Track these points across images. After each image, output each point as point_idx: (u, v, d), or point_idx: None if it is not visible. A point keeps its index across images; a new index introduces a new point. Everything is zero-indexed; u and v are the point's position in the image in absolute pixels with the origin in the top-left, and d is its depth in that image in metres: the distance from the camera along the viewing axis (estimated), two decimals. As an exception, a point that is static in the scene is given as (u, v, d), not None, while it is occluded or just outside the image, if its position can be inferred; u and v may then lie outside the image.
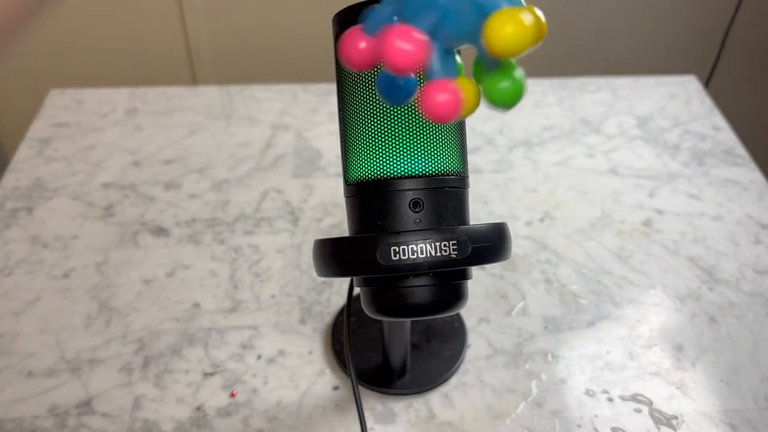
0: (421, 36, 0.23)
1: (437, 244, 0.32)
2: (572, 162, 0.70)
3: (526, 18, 0.22)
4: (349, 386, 0.49)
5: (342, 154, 0.36)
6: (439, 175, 0.34)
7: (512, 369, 0.50)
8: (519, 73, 0.25)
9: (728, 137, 0.74)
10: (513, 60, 0.24)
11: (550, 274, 0.58)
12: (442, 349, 0.51)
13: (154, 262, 0.58)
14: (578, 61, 1.18)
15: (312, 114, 0.76)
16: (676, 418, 0.47)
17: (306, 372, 0.50)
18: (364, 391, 0.48)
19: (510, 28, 0.22)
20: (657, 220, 0.63)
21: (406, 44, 0.23)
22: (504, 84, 0.24)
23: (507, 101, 0.24)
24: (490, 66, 0.25)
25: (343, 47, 0.26)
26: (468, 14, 0.23)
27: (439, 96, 0.23)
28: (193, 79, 1.14)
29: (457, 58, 0.28)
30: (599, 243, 0.61)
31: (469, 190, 0.36)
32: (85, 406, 0.47)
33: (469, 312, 0.54)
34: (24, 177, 0.67)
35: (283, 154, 0.70)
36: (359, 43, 0.25)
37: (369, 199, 0.34)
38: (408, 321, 0.45)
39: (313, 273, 0.57)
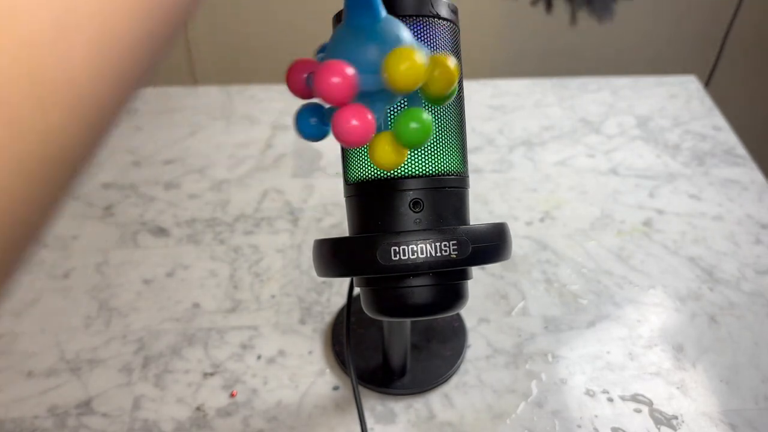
0: (344, 70, 0.25)
1: (437, 244, 0.32)
2: (572, 162, 0.70)
3: (418, 57, 0.25)
4: (349, 386, 0.48)
5: (342, 154, 0.36)
6: (439, 175, 0.34)
7: (512, 369, 0.50)
8: (426, 116, 0.27)
9: (728, 137, 0.74)
10: (420, 107, 0.28)
11: (550, 274, 0.58)
12: (442, 349, 0.51)
13: (154, 262, 0.58)
14: (578, 61, 1.18)
15: (312, 114, 0.76)
16: (676, 418, 0.47)
17: (306, 372, 0.50)
18: (364, 391, 0.48)
19: (405, 65, 0.25)
20: (657, 220, 0.63)
21: (335, 78, 0.25)
22: (413, 125, 0.27)
23: (416, 140, 0.27)
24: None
25: (289, 77, 0.28)
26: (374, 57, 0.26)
27: (352, 120, 0.25)
28: (193, 79, 1.14)
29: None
30: (599, 243, 0.61)
31: (469, 190, 0.36)
32: (85, 406, 0.47)
33: (469, 312, 0.54)
34: (24, 177, 0.67)
35: (283, 154, 0.70)
36: (301, 74, 0.28)
37: (369, 199, 0.34)
38: (408, 321, 0.45)
39: (313, 273, 0.57)
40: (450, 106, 0.34)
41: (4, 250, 0.14)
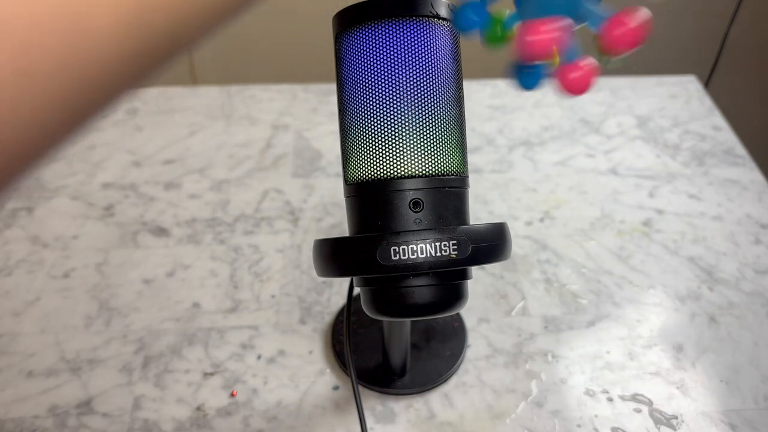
0: (552, 27, 0.27)
1: (437, 244, 0.32)
2: (572, 162, 0.70)
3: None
4: (349, 386, 0.49)
5: (342, 154, 0.36)
6: (439, 176, 0.34)
7: (512, 369, 0.50)
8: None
9: (728, 137, 0.74)
10: None
11: (550, 274, 0.58)
12: (442, 349, 0.51)
13: (154, 262, 0.58)
14: (578, 61, 1.18)
15: (312, 114, 0.76)
16: (676, 418, 0.47)
17: (306, 372, 0.50)
18: (364, 391, 0.48)
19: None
20: (657, 220, 0.63)
21: (539, 36, 0.27)
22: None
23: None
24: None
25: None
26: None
27: (572, 74, 0.28)
28: (193, 79, 1.14)
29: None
30: (599, 243, 0.61)
31: (469, 190, 0.36)
32: (85, 406, 0.47)
33: (469, 312, 0.54)
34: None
35: (283, 154, 0.70)
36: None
37: (369, 199, 0.34)
38: (408, 321, 0.45)
39: (313, 273, 0.57)
40: (450, 107, 0.34)
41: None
